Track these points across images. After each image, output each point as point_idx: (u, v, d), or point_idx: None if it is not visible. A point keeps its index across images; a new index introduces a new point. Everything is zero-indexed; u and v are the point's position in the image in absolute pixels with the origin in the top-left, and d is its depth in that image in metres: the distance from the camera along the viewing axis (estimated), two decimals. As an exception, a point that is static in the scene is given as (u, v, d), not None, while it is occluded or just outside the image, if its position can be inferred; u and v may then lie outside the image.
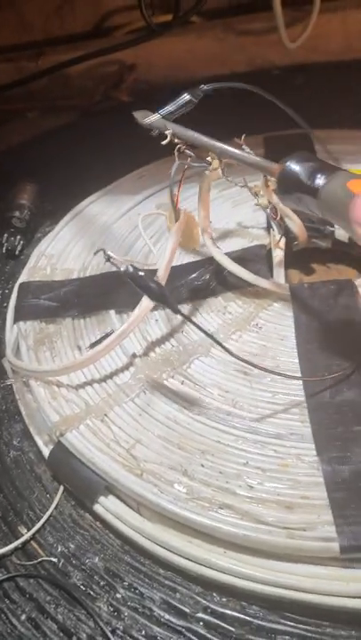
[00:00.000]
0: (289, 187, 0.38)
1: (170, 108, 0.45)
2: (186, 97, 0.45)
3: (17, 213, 0.66)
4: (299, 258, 0.58)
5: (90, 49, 0.91)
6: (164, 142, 0.44)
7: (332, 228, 0.57)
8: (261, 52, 0.92)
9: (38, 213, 0.68)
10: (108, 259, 0.40)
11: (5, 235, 0.65)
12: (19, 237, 0.65)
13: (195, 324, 0.42)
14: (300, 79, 0.90)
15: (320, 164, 0.38)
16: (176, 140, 0.44)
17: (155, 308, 0.49)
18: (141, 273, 0.40)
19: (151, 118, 0.44)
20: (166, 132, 0.43)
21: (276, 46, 0.89)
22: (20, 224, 0.65)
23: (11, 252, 0.64)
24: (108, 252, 0.40)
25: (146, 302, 0.45)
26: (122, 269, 0.40)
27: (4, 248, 0.65)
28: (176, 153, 0.44)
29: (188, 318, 0.42)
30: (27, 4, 0.95)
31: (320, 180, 0.37)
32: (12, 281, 0.62)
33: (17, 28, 0.98)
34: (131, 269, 0.39)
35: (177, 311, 0.40)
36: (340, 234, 0.56)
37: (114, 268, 0.55)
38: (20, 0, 0.93)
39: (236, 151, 0.41)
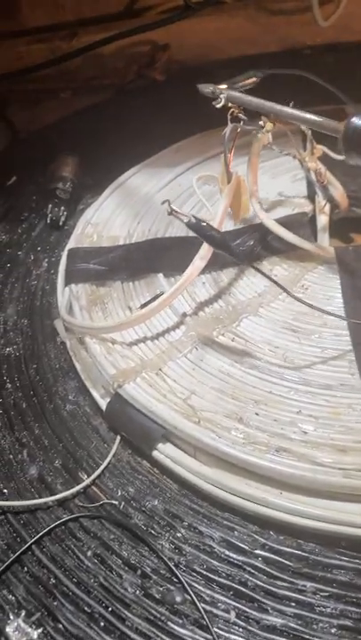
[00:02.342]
0: (357, 141, 0.39)
1: (234, 80, 0.47)
2: (250, 73, 0.46)
3: (60, 185, 0.67)
4: (339, 228, 0.60)
5: (122, 29, 0.93)
6: (218, 105, 0.45)
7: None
8: (292, 32, 0.93)
9: (80, 186, 0.70)
10: (172, 211, 0.42)
11: (50, 205, 0.67)
12: (62, 208, 0.67)
13: (257, 268, 0.43)
14: (331, 58, 0.91)
15: None
16: (230, 104, 0.46)
17: (203, 272, 0.51)
18: (204, 223, 0.41)
19: (216, 87, 0.46)
20: (221, 96, 0.45)
21: (307, 26, 0.90)
22: (64, 195, 0.67)
23: (55, 222, 0.66)
24: (172, 206, 0.41)
25: (198, 262, 0.46)
26: (185, 221, 0.41)
27: (49, 218, 0.67)
28: (229, 117, 0.46)
29: (252, 266, 0.43)
30: (59, -14, 0.97)
31: None
32: (57, 249, 0.64)
33: (49, 10, 0.99)
34: (194, 220, 0.41)
35: (237, 256, 0.42)
36: (380, 202, 0.58)
37: (159, 235, 0.58)
38: (52, -18, 0.94)
39: (300, 112, 0.43)
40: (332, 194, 0.55)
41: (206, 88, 0.46)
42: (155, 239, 0.58)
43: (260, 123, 0.46)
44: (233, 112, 0.46)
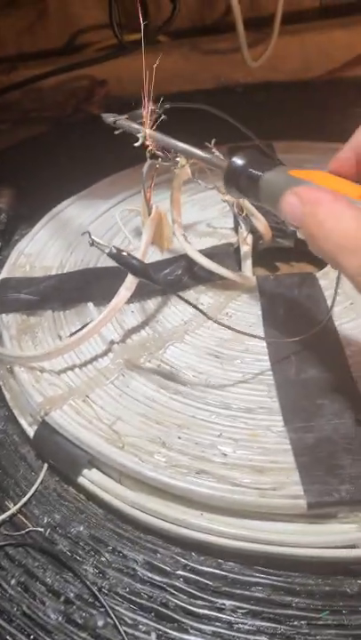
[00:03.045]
0: (232, 178, 0.42)
1: (137, 112, 0.49)
2: (150, 108, 0.49)
3: (-6, 216, 0.69)
4: (264, 257, 0.63)
5: (61, 64, 0.95)
6: (136, 144, 0.47)
7: (293, 228, 0.62)
8: (225, 71, 0.97)
9: (15, 217, 0.71)
10: (93, 242, 0.43)
11: (-16, 236, 0.68)
12: (-4, 239, 0.68)
13: (181, 296, 0.45)
14: (262, 96, 0.96)
15: (264, 158, 0.42)
16: (147, 142, 0.48)
17: (130, 301, 0.53)
18: (124, 252, 0.43)
19: (118, 117, 0.48)
20: (138, 135, 0.47)
21: (240, 65, 0.95)
22: (-1, 226, 0.68)
23: (-11, 252, 0.67)
24: (93, 237, 0.43)
25: (123, 292, 0.48)
26: (106, 251, 0.43)
27: (-18, 249, 0.67)
28: (148, 154, 0.48)
29: (177, 295, 0.45)
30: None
31: (260, 171, 0.41)
32: (-9, 280, 0.64)
33: (-10, 44, 1.02)
34: (115, 250, 0.43)
35: (159, 283, 0.43)
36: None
37: (91, 265, 0.60)
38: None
39: (193, 149, 0.45)
40: (256, 225, 0.58)
41: (108, 118, 0.48)
42: (86, 269, 0.59)
43: (178, 159, 0.48)
44: (150, 150, 0.48)
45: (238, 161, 0.41)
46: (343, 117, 0.85)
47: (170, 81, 0.97)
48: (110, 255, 0.44)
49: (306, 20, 0.99)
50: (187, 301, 0.46)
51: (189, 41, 0.98)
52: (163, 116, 0.47)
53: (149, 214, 0.47)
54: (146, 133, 0.46)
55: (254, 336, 0.48)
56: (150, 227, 0.47)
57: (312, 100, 0.93)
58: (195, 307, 0.45)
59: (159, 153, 0.46)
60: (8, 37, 1.01)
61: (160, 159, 0.47)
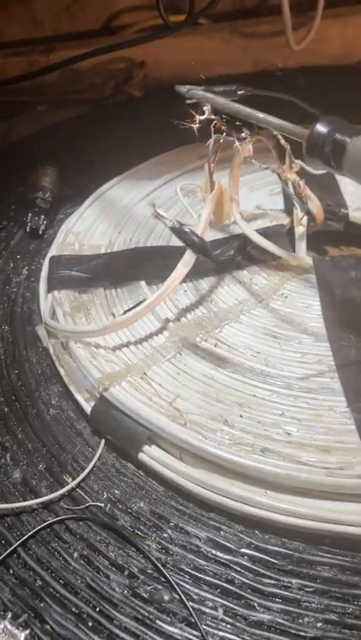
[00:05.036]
0: (316, 145, 0.40)
1: (214, 88, 0.48)
2: (233, 87, 0.48)
3: (40, 194, 0.68)
4: (313, 241, 0.62)
5: (99, 46, 0.94)
6: (202, 117, 0.47)
7: (346, 211, 0.61)
8: (265, 55, 0.96)
9: (59, 196, 0.71)
10: (157, 215, 0.43)
11: (30, 214, 0.67)
12: (42, 217, 0.67)
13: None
14: (302, 80, 0.95)
15: (346, 124, 0.41)
16: (212, 117, 0.47)
17: (183, 280, 0.52)
18: (186, 228, 0.43)
19: (192, 87, 0.47)
20: (205, 109, 0.46)
21: (279, 49, 0.93)
22: (44, 204, 0.68)
23: (35, 230, 0.67)
24: (157, 209, 0.42)
25: (181, 267, 0.47)
26: (168, 225, 0.42)
27: (28, 227, 0.67)
28: (212, 128, 0.47)
29: (226, 271, 0.45)
30: (37, 2, 0.99)
31: (347, 137, 0.39)
32: (37, 257, 0.64)
33: (28, 25, 1.01)
34: (177, 225, 0.42)
35: (217, 262, 0.43)
36: (354, 216, 0.60)
37: (140, 244, 0.59)
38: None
39: (272, 118, 0.44)
40: (309, 207, 0.57)
41: (181, 88, 0.47)
42: (136, 248, 0.59)
43: (243, 135, 0.47)
44: (215, 124, 0.47)
45: (323, 127, 0.40)
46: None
47: (209, 64, 0.96)
48: (172, 229, 0.44)
49: (348, 3, 0.97)
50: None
51: (230, 24, 0.96)
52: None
53: (211, 190, 0.47)
54: (220, 103, 0.45)
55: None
56: (212, 201, 0.46)
57: (353, 85, 0.92)
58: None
59: (224, 127, 0.46)
60: (45, 18, 1.01)
61: (225, 134, 0.46)
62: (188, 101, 0.47)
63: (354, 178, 0.39)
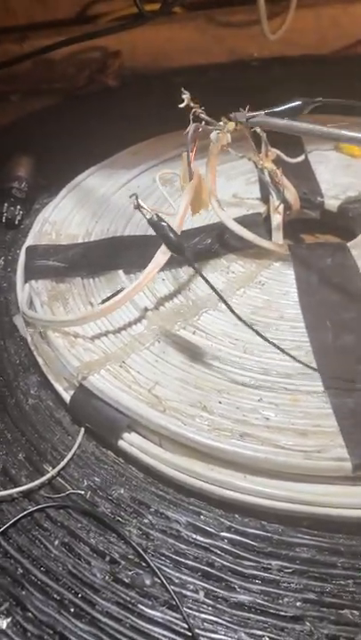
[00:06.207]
0: None
1: (276, 109, 0.48)
2: (298, 103, 0.48)
3: (16, 184, 0.67)
4: (290, 229, 0.63)
5: (73, 35, 0.93)
6: (181, 105, 0.46)
7: (321, 199, 0.61)
8: (241, 44, 0.96)
9: (35, 186, 0.70)
10: (138, 206, 0.43)
11: (5, 204, 0.67)
12: (18, 207, 0.67)
13: (204, 277, 0.45)
14: (278, 70, 0.95)
15: None
16: (192, 104, 0.47)
17: (161, 269, 0.52)
18: (164, 223, 0.43)
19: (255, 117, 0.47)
20: (183, 96, 0.46)
21: (255, 38, 0.94)
22: (20, 194, 0.67)
23: (11, 221, 0.66)
24: (139, 200, 0.42)
25: (160, 256, 0.48)
26: (147, 217, 0.42)
27: (4, 217, 0.66)
28: (191, 116, 0.47)
29: (198, 272, 0.45)
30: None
31: None
32: (13, 248, 0.64)
33: (0, 13, 0.99)
34: (155, 218, 0.42)
35: (190, 261, 0.43)
36: (330, 204, 0.61)
37: (118, 234, 0.59)
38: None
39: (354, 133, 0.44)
40: (286, 195, 0.57)
41: (241, 116, 0.47)
42: (114, 237, 0.58)
43: (221, 123, 0.47)
44: (195, 112, 0.47)
45: None
46: (358, 93, 0.85)
47: (184, 53, 0.96)
48: (150, 222, 0.44)
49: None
50: (204, 277, 0.45)
51: (204, 13, 0.96)
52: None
53: (190, 179, 0.47)
54: (288, 126, 0.44)
55: (304, 363, 0.46)
56: (191, 191, 0.47)
57: (327, 75, 0.92)
58: (211, 286, 0.44)
59: (203, 116, 0.46)
60: (19, 6, 0.99)
61: (203, 122, 0.46)
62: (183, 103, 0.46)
63: None
